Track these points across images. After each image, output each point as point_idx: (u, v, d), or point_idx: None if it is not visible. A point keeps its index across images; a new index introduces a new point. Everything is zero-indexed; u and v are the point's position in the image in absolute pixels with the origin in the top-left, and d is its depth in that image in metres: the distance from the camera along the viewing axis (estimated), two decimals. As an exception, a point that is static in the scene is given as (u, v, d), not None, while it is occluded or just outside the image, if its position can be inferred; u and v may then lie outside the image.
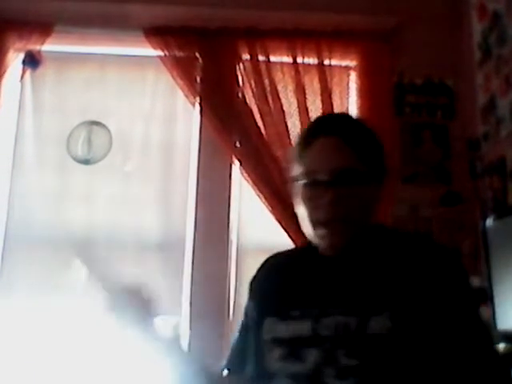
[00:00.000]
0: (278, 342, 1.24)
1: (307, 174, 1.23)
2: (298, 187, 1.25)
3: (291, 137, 3.06)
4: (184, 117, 3.27)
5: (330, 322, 1.15)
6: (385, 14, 3.20)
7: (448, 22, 3.23)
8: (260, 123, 3.10)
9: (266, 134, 3.08)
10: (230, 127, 3.09)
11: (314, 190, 1.21)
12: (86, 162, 3.21)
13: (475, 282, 2.57)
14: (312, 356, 1.15)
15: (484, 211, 2.74)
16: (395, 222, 3.04)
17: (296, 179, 1.25)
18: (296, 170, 1.26)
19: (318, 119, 1.41)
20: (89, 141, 3.23)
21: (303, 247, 1.38)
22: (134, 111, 3.28)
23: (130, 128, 3.27)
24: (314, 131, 1.28)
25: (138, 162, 3.24)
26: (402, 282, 1.13)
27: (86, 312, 2.96)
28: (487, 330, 1.13)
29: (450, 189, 3.12)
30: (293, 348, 1.19)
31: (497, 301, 2.27)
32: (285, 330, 1.22)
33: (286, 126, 3.08)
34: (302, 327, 1.19)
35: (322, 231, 1.23)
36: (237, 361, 1.43)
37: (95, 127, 3.25)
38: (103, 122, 3.25)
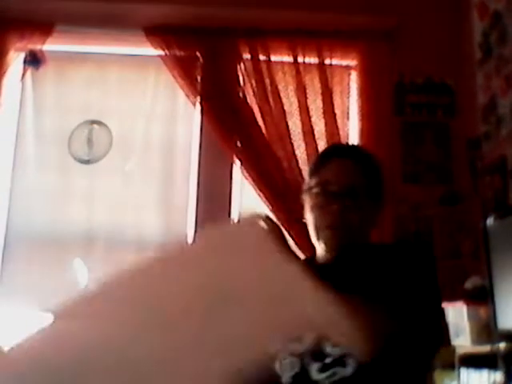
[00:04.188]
0: None
1: (321, 184, 1.44)
2: (311, 196, 1.46)
3: (292, 136, 3.07)
4: (185, 116, 3.27)
5: None
6: (385, 14, 3.21)
7: (449, 22, 3.23)
8: (261, 123, 3.10)
9: (267, 133, 3.08)
10: (231, 127, 3.09)
11: (325, 198, 1.42)
12: (87, 161, 3.21)
13: (476, 281, 2.57)
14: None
15: (484, 210, 2.73)
16: (396, 221, 3.05)
17: (309, 189, 1.47)
18: (310, 182, 1.48)
19: (333, 146, 1.83)
20: (89, 140, 3.23)
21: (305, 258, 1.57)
22: (134, 110, 3.28)
23: (131, 127, 3.27)
24: (329, 154, 1.54)
25: (138, 162, 3.24)
26: (378, 291, 1.22)
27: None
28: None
29: (450, 188, 3.12)
30: None
31: (497, 300, 2.27)
32: None
33: (287, 126, 3.08)
34: None
35: (325, 234, 1.42)
36: None
37: (96, 126, 3.25)
38: (104, 121, 3.25)
